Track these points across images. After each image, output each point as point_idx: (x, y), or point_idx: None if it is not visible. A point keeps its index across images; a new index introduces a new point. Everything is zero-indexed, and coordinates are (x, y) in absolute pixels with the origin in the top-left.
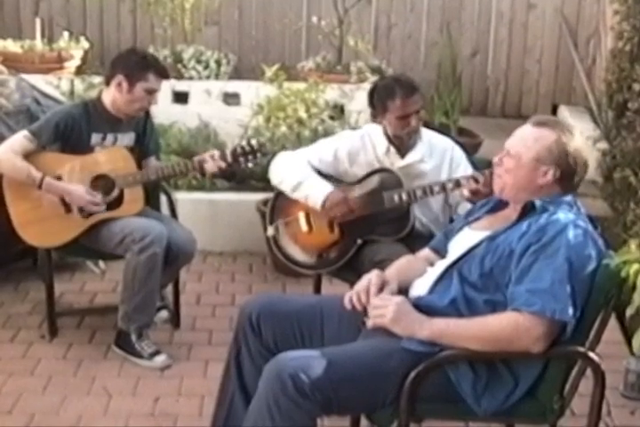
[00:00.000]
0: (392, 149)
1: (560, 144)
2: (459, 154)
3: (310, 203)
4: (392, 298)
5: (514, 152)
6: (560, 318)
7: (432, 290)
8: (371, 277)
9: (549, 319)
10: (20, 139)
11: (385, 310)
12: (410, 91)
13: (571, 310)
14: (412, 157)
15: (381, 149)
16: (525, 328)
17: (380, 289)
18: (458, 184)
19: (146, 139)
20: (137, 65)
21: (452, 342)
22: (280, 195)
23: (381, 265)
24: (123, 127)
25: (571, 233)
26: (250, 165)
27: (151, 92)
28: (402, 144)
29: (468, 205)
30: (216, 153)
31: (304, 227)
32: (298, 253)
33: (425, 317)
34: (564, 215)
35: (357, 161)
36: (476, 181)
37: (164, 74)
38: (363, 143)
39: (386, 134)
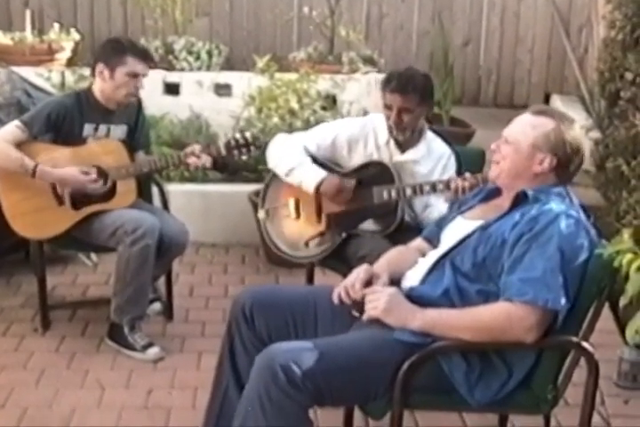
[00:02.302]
0: (392, 142)
1: (558, 132)
2: (452, 164)
3: (304, 187)
4: (384, 289)
5: (512, 139)
6: (552, 307)
7: (424, 280)
8: (359, 272)
9: (542, 309)
10: (12, 129)
11: (377, 302)
12: (401, 88)
13: (563, 300)
14: (411, 154)
15: (382, 140)
16: (518, 318)
17: (369, 283)
18: (448, 186)
19: (137, 132)
20: (113, 50)
21: (444, 332)
22: (274, 178)
23: (364, 260)
24: (115, 119)
25: (563, 223)
26: (243, 157)
27: (134, 76)
28: (398, 138)
29: (436, 211)
30: (197, 147)
31: (292, 214)
32: (283, 240)
33: (417, 307)
34: (555, 205)
35: (356, 150)
36: (465, 180)
37: (143, 56)
38: (364, 132)
39: (388, 125)
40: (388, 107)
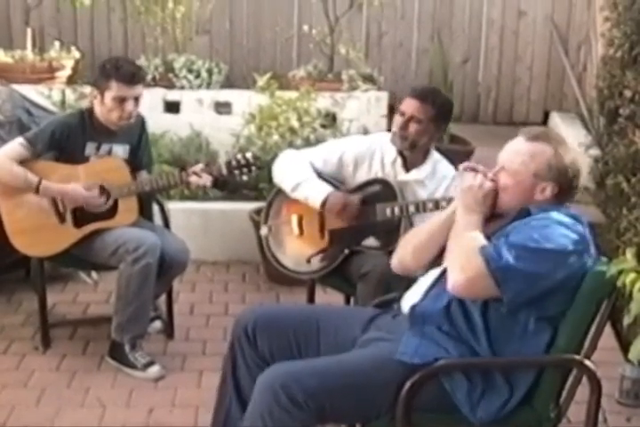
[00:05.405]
0: (399, 161)
1: (558, 159)
2: (455, 186)
3: (310, 202)
4: (486, 182)
5: (511, 170)
6: (485, 256)
7: (425, 296)
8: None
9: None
10: (16, 146)
11: (471, 181)
12: (421, 96)
13: (500, 264)
14: (415, 174)
15: (389, 158)
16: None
17: None
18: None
19: (140, 151)
20: (100, 75)
21: (452, 237)
22: (278, 195)
23: (366, 277)
24: (118, 138)
25: (559, 219)
26: (244, 178)
27: (121, 100)
28: (408, 156)
29: None
30: (198, 167)
31: (295, 230)
32: (286, 256)
33: (478, 216)
34: (555, 214)
35: (361, 168)
36: None
37: (128, 80)
38: (370, 150)
39: (392, 133)
40: (401, 113)
